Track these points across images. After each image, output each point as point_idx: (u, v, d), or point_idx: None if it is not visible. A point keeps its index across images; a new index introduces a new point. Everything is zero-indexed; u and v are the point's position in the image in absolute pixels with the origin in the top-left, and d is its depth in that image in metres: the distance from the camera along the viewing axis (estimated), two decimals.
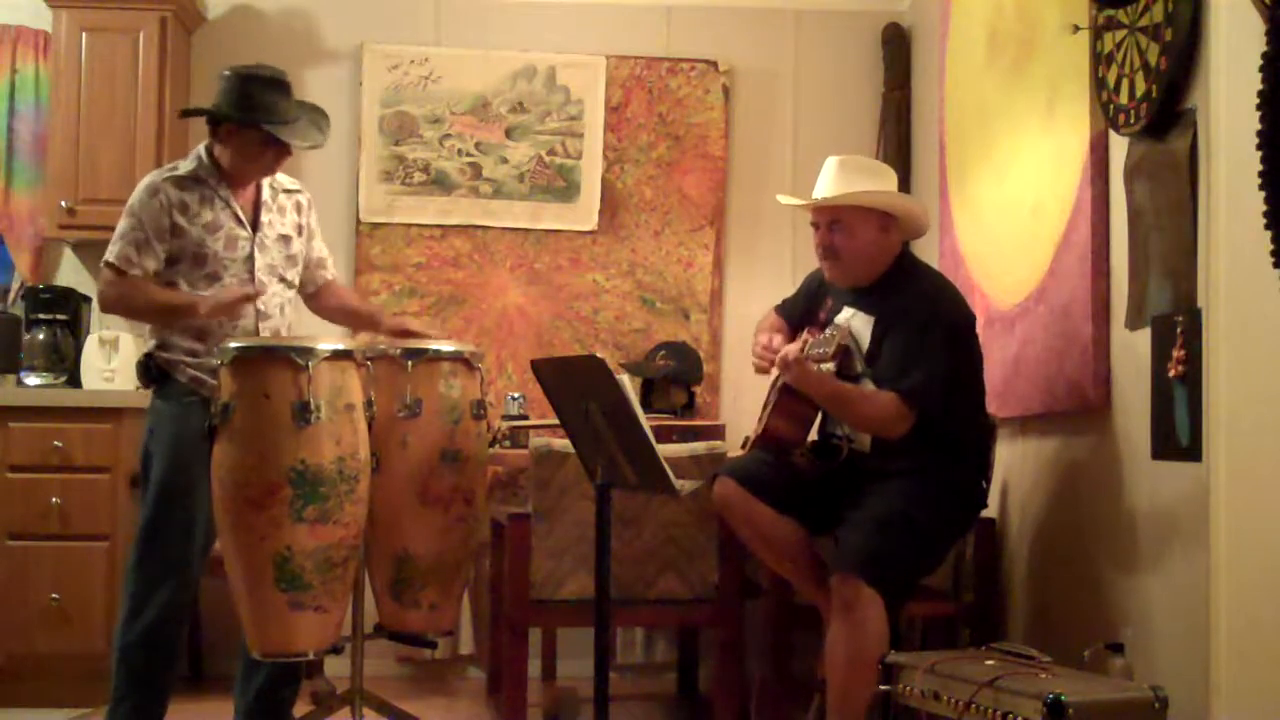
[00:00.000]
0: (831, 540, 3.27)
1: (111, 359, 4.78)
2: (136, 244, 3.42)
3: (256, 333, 3.48)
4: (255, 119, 3.42)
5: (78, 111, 4.80)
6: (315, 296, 3.79)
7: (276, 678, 3.49)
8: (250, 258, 3.52)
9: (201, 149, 3.55)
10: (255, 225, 3.55)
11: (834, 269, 3.44)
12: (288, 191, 3.67)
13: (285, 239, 3.62)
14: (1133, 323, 3.17)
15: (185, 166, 3.53)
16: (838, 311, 3.46)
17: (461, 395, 3.39)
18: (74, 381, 4.82)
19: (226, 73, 3.49)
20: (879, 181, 3.42)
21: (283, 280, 3.61)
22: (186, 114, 3.75)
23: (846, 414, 3.34)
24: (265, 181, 3.60)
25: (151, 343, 3.53)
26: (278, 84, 3.48)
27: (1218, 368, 2.76)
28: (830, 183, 3.40)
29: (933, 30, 4.82)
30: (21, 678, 4.40)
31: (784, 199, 3.62)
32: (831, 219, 3.39)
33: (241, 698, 3.53)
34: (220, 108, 3.46)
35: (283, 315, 3.61)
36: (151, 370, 3.50)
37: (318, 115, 3.62)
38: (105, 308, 3.58)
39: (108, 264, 3.45)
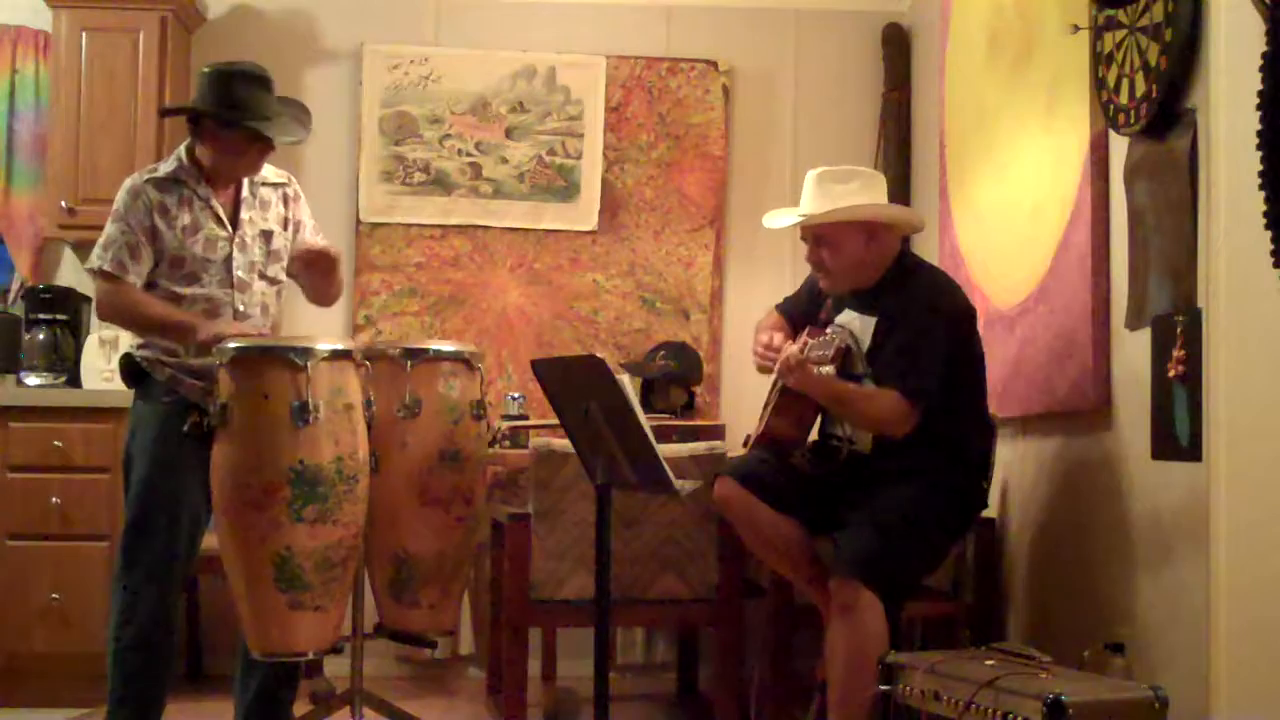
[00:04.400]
0: (831, 541, 3.27)
1: (111, 359, 4.77)
2: (130, 248, 3.38)
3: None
4: (237, 117, 3.37)
5: (78, 111, 4.80)
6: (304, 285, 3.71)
7: (275, 678, 3.48)
8: (229, 259, 3.46)
9: (182, 149, 3.50)
10: (234, 223, 3.49)
11: (826, 281, 3.45)
12: (271, 185, 3.60)
13: (266, 234, 3.55)
14: (1133, 323, 3.17)
15: (165, 168, 3.47)
16: (838, 313, 3.46)
17: (461, 395, 3.39)
18: (74, 381, 4.82)
19: (206, 70, 3.45)
20: (861, 190, 3.37)
21: (264, 277, 3.54)
22: (166, 113, 3.66)
23: (849, 414, 3.34)
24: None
25: (133, 342, 3.51)
26: (258, 79, 3.43)
27: (1218, 368, 2.75)
28: (811, 198, 3.38)
29: (933, 30, 4.82)
30: (21, 678, 4.40)
31: (770, 221, 3.58)
32: (816, 236, 3.39)
33: (241, 698, 3.53)
34: (201, 105, 3.42)
35: (264, 315, 3.54)
36: (132, 370, 3.46)
37: (298, 110, 3.57)
38: (104, 317, 3.53)
39: (102, 272, 3.39)
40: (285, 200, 3.63)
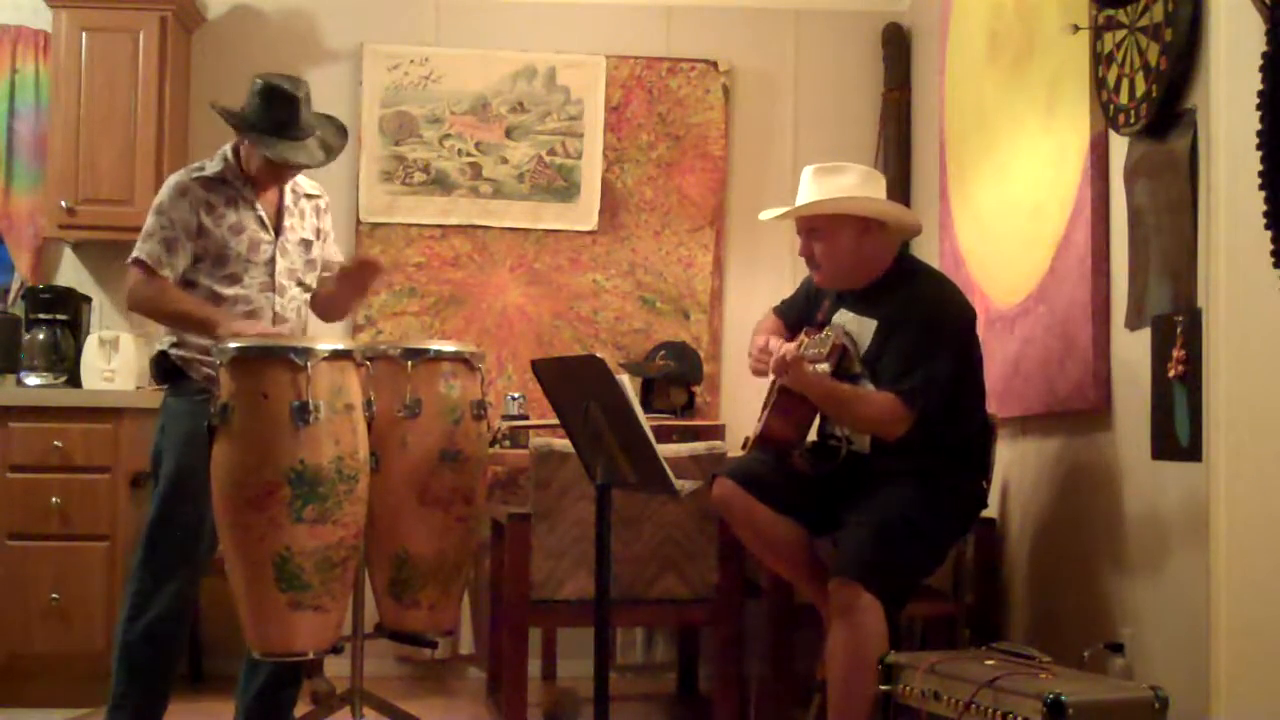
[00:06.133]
0: (831, 541, 3.27)
1: (111, 359, 4.78)
2: (167, 243, 3.42)
3: None
4: (258, 138, 3.41)
5: (78, 111, 4.80)
6: (314, 299, 3.76)
7: (278, 678, 3.49)
8: (272, 260, 3.53)
9: (228, 149, 3.55)
10: (278, 229, 3.56)
11: (818, 276, 3.45)
12: (309, 196, 3.68)
13: (306, 243, 3.63)
14: (1133, 323, 3.17)
15: (212, 167, 3.53)
16: (834, 313, 3.46)
17: (461, 395, 3.39)
18: (74, 381, 4.82)
19: (257, 81, 3.48)
20: (856, 185, 3.37)
21: (300, 284, 3.62)
22: (215, 108, 3.72)
23: (843, 414, 3.34)
24: (287, 185, 3.60)
25: (167, 340, 3.54)
26: (294, 99, 3.45)
27: (1218, 368, 2.75)
28: (807, 192, 3.39)
29: (933, 30, 4.82)
30: (21, 678, 4.40)
31: (765, 213, 3.61)
32: (809, 228, 3.39)
33: (242, 698, 3.53)
34: (241, 116, 3.46)
35: (299, 318, 3.62)
36: (166, 367, 3.51)
37: (331, 131, 3.59)
38: (133, 306, 3.55)
39: (138, 261, 3.44)
40: (318, 212, 3.71)
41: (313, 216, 3.68)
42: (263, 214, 3.53)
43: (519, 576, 3.71)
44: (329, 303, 3.78)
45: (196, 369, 3.47)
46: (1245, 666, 2.70)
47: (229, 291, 3.47)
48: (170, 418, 3.49)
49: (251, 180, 3.52)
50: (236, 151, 3.54)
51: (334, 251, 3.79)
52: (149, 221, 3.47)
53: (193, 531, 3.40)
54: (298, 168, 3.52)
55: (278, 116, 3.43)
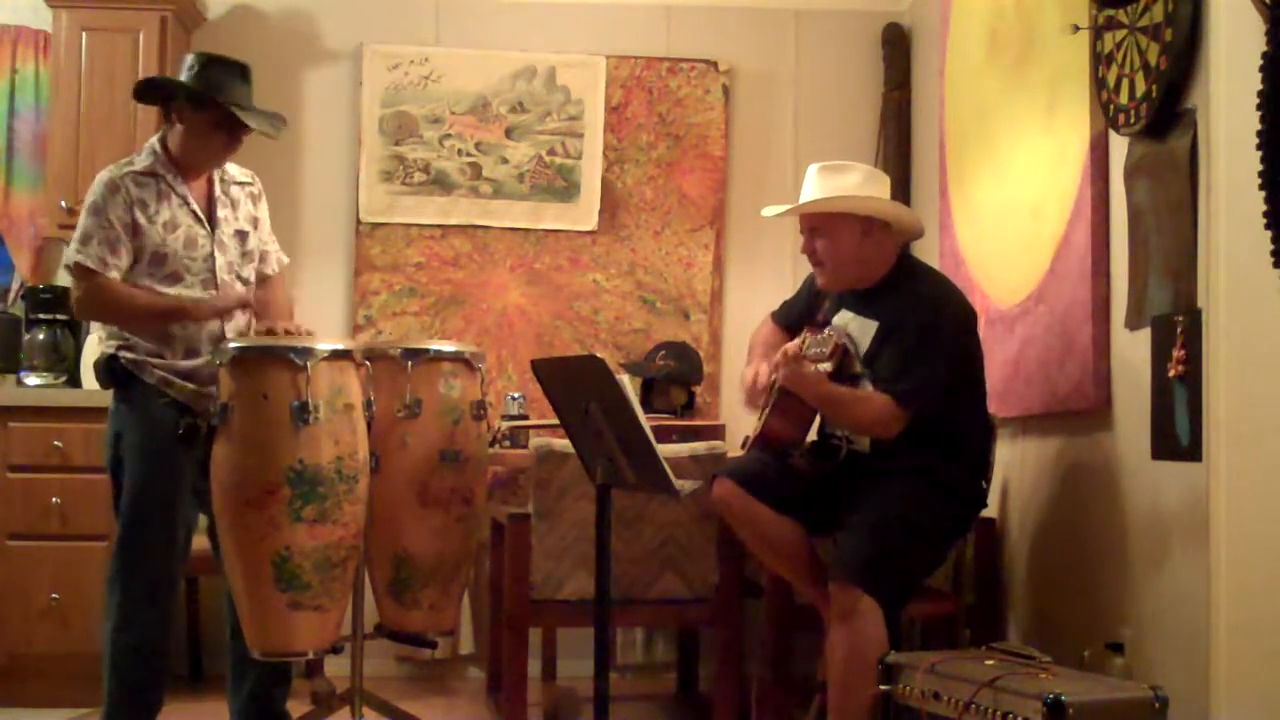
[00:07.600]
0: (831, 541, 3.27)
1: None
2: (109, 243, 3.31)
3: (221, 335, 3.40)
4: (211, 95, 3.31)
5: (78, 111, 4.79)
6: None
7: (267, 678, 3.47)
8: (210, 256, 3.43)
9: (155, 141, 3.45)
10: (211, 221, 3.46)
11: (820, 275, 3.45)
12: (239, 184, 3.57)
13: (241, 235, 3.53)
14: (1133, 323, 3.17)
15: (141, 161, 3.41)
16: (835, 313, 3.46)
17: (461, 395, 3.39)
18: (74, 381, 4.82)
19: (189, 56, 3.43)
20: (860, 185, 3.37)
21: (240, 278, 3.51)
22: (141, 95, 3.54)
23: (837, 415, 3.34)
24: (215, 175, 3.49)
25: (113, 343, 3.41)
26: (239, 70, 3.40)
27: (1218, 368, 2.75)
28: (810, 189, 3.39)
29: (933, 30, 4.82)
30: (21, 678, 4.40)
31: (768, 210, 3.61)
32: (811, 226, 3.39)
33: (234, 699, 3.53)
34: (203, 84, 3.36)
35: (244, 313, 3.51)
36: (115, 372, 3.38)
37: (274, 115, 3.53)
38: (84, 313, 3.44)
39: (81, 267, 3.30)
40: (253, 199, 3.61)
41: (247, 204, 3.57)
42: (195, 207, 3.43)
43: (519, 576, 3.71)
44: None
45: (150, 372, 3.36)
46: (1245, 666, 2.70)
47: (171, 291, 3.36)
48: (126, 425, 3.37)
49: (181, 171, 3.41)
50: (164, 143, 3.43)
51: (270, 240, 3.67)
52: (86, 223, 3.33)
53: (167, 545, 3.35)
54: (238, 130, 3.40)
55: (222, 81, 3.36)
